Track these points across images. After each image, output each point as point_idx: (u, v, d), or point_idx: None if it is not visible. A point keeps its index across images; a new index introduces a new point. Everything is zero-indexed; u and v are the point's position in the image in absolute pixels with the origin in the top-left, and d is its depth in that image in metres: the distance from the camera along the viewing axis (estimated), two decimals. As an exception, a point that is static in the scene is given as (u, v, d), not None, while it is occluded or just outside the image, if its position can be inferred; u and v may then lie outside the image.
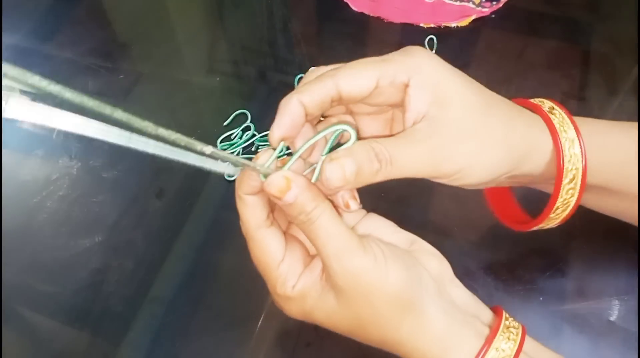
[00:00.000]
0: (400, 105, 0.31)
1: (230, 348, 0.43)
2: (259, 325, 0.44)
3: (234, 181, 0.52)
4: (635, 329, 0.41)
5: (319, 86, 0.29)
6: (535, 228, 0.36)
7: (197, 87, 0.61)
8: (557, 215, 0.35)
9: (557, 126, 0.32)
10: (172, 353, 0.44)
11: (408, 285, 0.29)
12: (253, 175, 0.30)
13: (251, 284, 0.46)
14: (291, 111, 0.29)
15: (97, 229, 0.50)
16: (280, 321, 0.44)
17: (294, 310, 0.31)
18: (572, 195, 0.33)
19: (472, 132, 0.30)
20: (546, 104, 0.34)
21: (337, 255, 0.28)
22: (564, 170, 0.32)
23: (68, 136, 0.57)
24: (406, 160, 0.29)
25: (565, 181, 0.32)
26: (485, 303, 0.44)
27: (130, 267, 0.48)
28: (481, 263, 0.45)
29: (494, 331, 0.30)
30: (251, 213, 0.30)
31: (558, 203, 0.33)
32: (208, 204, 0.51)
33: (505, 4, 0.63)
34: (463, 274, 0.45)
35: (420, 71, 0.30)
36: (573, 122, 0.33)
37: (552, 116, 0.33)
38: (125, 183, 0.53)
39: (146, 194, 0.52)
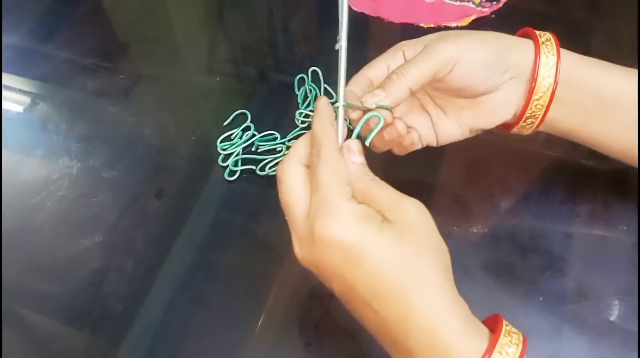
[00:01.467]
0: None
1: (230, 348, 0.43)
2: (259, 325, 0.44)
3: (233, 181, 0.52)
4: (635, 329, 0.41)
5: (357, 79, 0.41)
6: (512, 131, 0.43)
7: (197, 87, 0.61)
8: (527, 124, 0.42)
9: (542, 50, 0.39)
10: (172, 353, 0.44)
11: (446, 254, 0.33)
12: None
13: (251, 284, 0.46)
14: (351, 96, 0.39)
15: (97, 229, 0.50)
16: (280, 321, 0.44)
17: (350, 227, 0.30)
18: (540, 109, 0.40)
19: (457, 34, 0.39)
20: (544, 35, 0.40)
21: (402, 197, 0.32)
22: (535, 88, 0.39)
23: (68, 136, 0.57)
24: (413, 62, 0.38)
25: (535, 96, 0.39)
26: (485, 304, 0.44)
27: (130, 267, 0.48)
28: (481, 263, 0.45)
29: (495, 336, 0.30)
30: (333, 137, 0.34)
31: (527, 114, 0.40)
32: (208, 205, 0.51)
33: (505, 4, 0.63)
34: (463, 274, 0.45)
35: (407, 43, 0.41)
36: (558, 53, 0.39)
37: (542, 45, 0.39)
38: (125, 183, 0.53)
39: (146, 194, 0.52)
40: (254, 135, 0.55)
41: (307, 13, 0.67)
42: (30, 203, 0.53)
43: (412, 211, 0.32)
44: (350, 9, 0.64)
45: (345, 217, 0.30)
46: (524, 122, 0.41)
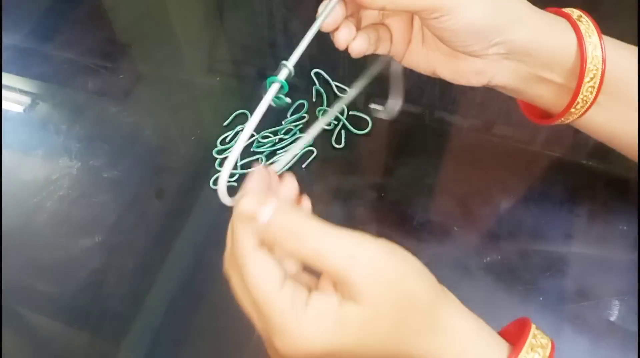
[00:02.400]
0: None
1: (230, 348, 0.43)
2: (259, 325, 0.44)
3: (234, 181, 0.52)
4: (635, 329, 0.41)
5: None
6: (558, 122, 0.39)
7: (197, 87, 0.61)
8: (577, 110, 0.37)
9: (582, 30, 0.36)
10: (172, 353, 0.44)
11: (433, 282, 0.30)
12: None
13: (251, 284, 0.46)
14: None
15: (97, 229, 0.50)
16: (280, 321, 0.44)
17: (312, 336, 0.27)
18: (591, 92, 0.36)
19: None
20: (575, 12, 0.38)
21: (352, 257, 0.27)
22: (586, 70, 0.35)
23: (68, 136, 0.57)
24: None
25: (586, 79, 0.36)
26: (485, 304, 0.44)
27: (130, 267, 0.48)
28: (481, 263, 0.45)
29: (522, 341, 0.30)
30: (249, 233, 0.29)
31: (579, 99, 0.36)
32: (208, 205, 0.51)
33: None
34: (463, 274, 0.45)
35: None
36: (597, 29, 0.36)
37: (579, 23, 0.37)
38: (125, 183, 0.53)
39: (146, 194, 0.52)
40: (250, 135, 0.55)
41: (307, 13, 0.67)
42: (30, 203, 0.53)
43: (365, 283, 0.27)
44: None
45: (300, 332, 0.27)
46: (573, 108, 0.37)
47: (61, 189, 0.53)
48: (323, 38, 0.64)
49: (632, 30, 0.59)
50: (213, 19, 0.70)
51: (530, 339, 0.30)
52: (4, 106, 0.61)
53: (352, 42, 0.37)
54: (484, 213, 0.49)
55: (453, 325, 0.30)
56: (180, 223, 0.50)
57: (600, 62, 0.36)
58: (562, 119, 0.38)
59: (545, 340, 0.30)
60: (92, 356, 0.44)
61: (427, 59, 0.39)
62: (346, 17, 0.36)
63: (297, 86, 0.59)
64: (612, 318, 0.42)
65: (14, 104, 0.61)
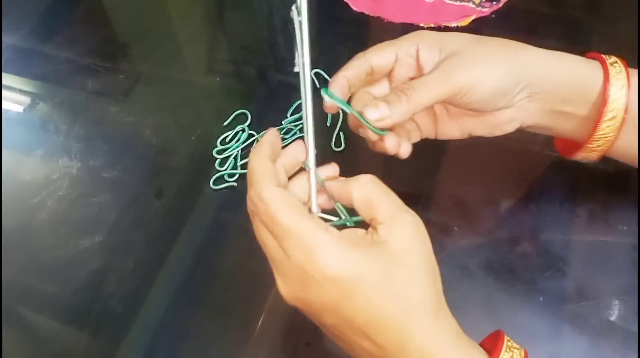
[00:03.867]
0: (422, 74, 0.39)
1: (230, 348, 0.43)
2: (259, 325, 0.44)
3: (234, 181, 0.52)
4: (635, 329, 0.41)
5: (356, 63, 0.38)
6: (578, 157, 0.42)
7: (197, 87, 0.61)
8: (597, 147, 0.40)
9: (611, 74, 0.37)
10: (172, 353, 0.44)
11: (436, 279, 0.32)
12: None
13: (251, 284, 0.46)
14: (339, 83, 0.38)
15: (97, 229, 0.50)
16: (280, 321, 0.44)
17: (341, 256, 0.29)
18: (610, 132, 0.38)
19: (474, 57, 0.37)
20: (612, 58, 0.39)
21: (398, 213, 0.31)
22: (606, 109, 0.37)
23: (68, 136, 0.57)
24: (425, 85, 0.36)
25: (605, 117, 0.37)
26: (485, 304, 0.44)
27: (130, 267, 0.48)
28: (481, 263, 0.45)
29: (497, 350, 0.31)
30: (267, 173, 0.32)
31: (599, 135, 0.38)
32: (208, 204, 0.51)
33: (505, 4, 0.63)
34: (463, 274, 0.45)
35: (425, 38, 0.38)
36: (627, 75, 0.38)
37: (611, 67, 0.38)
38: (125, 183, 0.53)
39: (146, 194, 0.52)
40: (250, 135, 0.55)
41: (307, 13, 0.67)
42: (30, 203, 0.53)
43: (408, 231, 0.30)
44: (350, 8, 0.64)
45: (333, 251, 0.29)
46: (592, 144, 0.39)
47: (61, 189, 0.53)
48: (323, 38, 0.64)
49: (632, 30, 0.59)
50: (213, 19, 0.70)
51: (505, 342, 0.32)
52: (4, 106, 0.61)
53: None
54: (484, 213, 0.49)
55: (452, 326, 0.31)
56: (180, 223, 0.50)
57: (623, 107, 0.37)
58: (587, 153, 0.41)
59: (518, 346, 0.32)
60: (92, 356, 0.44)
61: (458, 127, 0.42)
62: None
63: (297, 85, 0.59)
64: (612, 318, 0.42)
65: (14, 104, 0.61)
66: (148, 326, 0.45)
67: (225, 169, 0.53)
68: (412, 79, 0.39)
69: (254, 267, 0.47)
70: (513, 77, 0.37)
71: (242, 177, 0.52)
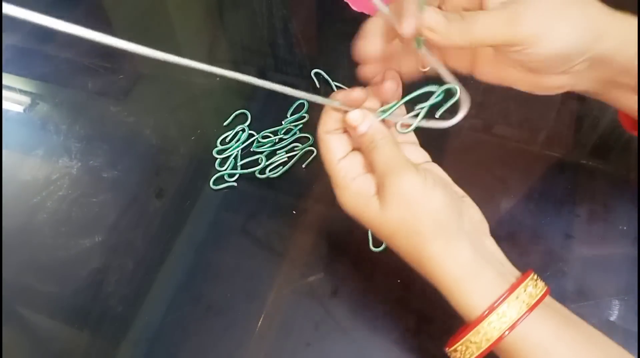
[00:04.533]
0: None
1: (230, 348, 0.43)
2: (259, 325, 0.44)
3: (234, 181, 0.52)
4: (635, 329, 0.41)
5: None
6: None
7: (197, 87, 0.61)
8: None
9: None
10: (172, 353, 0.44)
11: (447, 210, 0.34)
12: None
13: (251, 284, 0.46)
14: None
15: (97, 229, 0.50)
16: (280, 321, 0.44)
17: (348, 201, 0.36)
18: None
19: (548, 6, 0.32)
20: None
21: (392, 170, 0.34)
22: None
23: (68, 136, 0.57)
24: (485, 23, 0.32)
25: None
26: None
27: (130, 267, 0.48)
28: (481, 263, 0.45)
29: (520, 279, 0.33)
30: (327, 118, 0.37)
31: None
32: (208, 204, 0.51)
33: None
34: (463, 274, 0.45)
35: None
36: None
37: None
38: (125, 183, 0.53)
39: (146, 194, 0.53)
40: (250, 135, 0.55)
41: (307, 13, 0.67)
42: (30, 203, 0.53)
43: (391, 190, 0.34)
44: (350, 8, 0.64)
45: (341, 196, 0.37)
46: None
47: (61, 189, 0.53)
48: (323, 38, 0.64)
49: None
50: (213, 19, 0.70)
51: (532, 274, 0.34)
52: (4, 106, 0.61)
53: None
54: (484, 213, 0.48)
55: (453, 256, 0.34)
56: (180, 223, 0.50)
57: None
58: None
59: (543, 282, 0.34)
60: (92, 356, 0.44)
61: (498, 74, 0.38)
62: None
63: (297, 86, 0.59)
64: (612, 318, 0.42)
65: (14, 104, 0.61)
66: (148, 326, 0.45)
67: (225, 169, 0.53)
68: (465, 9, 0.35)
69: (254, 267, 0.47)
70: (580, 45, 0.32)
71: (242, 177, 0.52)
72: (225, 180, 0.52)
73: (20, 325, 0.47)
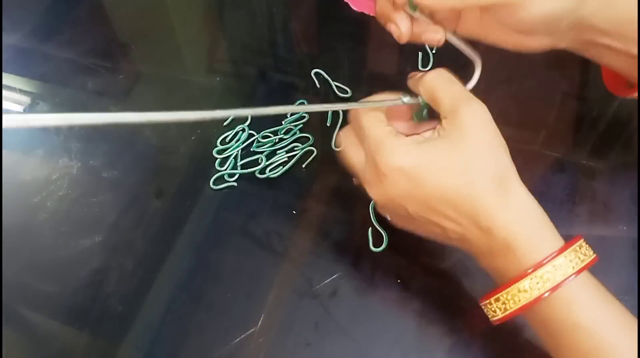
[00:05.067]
0: None
1: (231, 348, 0.43)
2: (259, 325, 0.44)
3: (234, 181, 0.52)
4: (635, 329, 0.41)
5: None
6: (631, 95, 0.40)
7: (197, 87, 0.61)
8: None
9: None
10: (172, 353, 0.44)
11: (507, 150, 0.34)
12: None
13: (251, 284, 0.46)
14: None
15: (97, 229, 0.50)
16: (280, 321, 0.44)
17: (406, 153, 0.34)
18: None
19: None
20: None
21: (467, 98, 0.34)
22: None
23: (68, 136, 0.57)
24: None
25: None
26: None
27: (130, 267, 0.48)
28: (481, 263, 0.45)
29: (575, 238, 0.34)
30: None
31: None
32: (208, 204, 0.51)
33: (505, 3, 0.63)
34: (463, 274, 0.45)
35: None
36: None
37: None
38: (125, 183, 0.53)
39: (146, 194, 0.53)
40: (250, 135, 0.55)
41: (307, 13, 0.67)
42: (30, 203, 0.53)
43: (467, 120, 0.33)
44: (350, 8, 0.64)
45: (397, 147, 0.34)
46: None
47: (61, 189, 0.53)
48: (323, 39, 0.64)
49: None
50: (213, 18, 0.70)
51: (582, 240, 0.34)
52: (4, 106, 0.61)
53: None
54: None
55: (519, 197, 0.34)
56: (180, 223, 0.50)
57: None
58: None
59: (592, 250, 0.34)
60: (92, 356, 0.44)
61: (482, 31, 0.39)
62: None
63: (297, 85, 0.59)
64: (612, 318, 0.42)
65: (14, 104, 0.61)
66: (148, 326, 0.45)
67: (225, 169, 0.53)
68: None
69: (254, 267, 0.47)
70: (566, 8, 0.34)
71: (242, 177, 0.52)
72: (225, 180, 0.52)
73: (20, 325, 0.47)
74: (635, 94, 0.39)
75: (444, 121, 0.35)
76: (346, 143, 0.39)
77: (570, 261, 0.32)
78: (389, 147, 0.34)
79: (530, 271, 0.32)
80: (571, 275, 0.32)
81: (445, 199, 0.33)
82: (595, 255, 0.34)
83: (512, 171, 0.34)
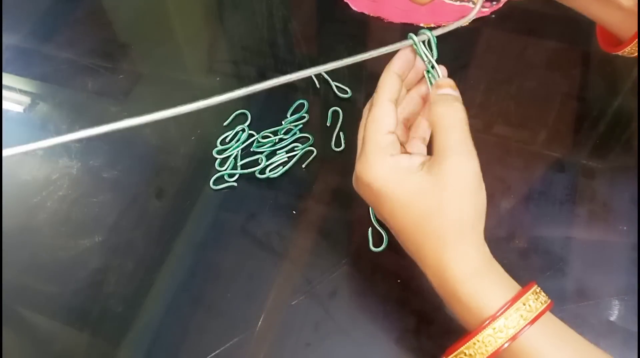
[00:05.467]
0: None
1: (231, 348, 0.43)
2: (259, 325, 0.44)
3: (234, 181, 0.52)
4: (635, 329, 0.41)
5: None
6: (623, 51, 0.40)
7: (197, 87, 0.61)
8: None
9: None
10: (172, 353, 0.44)
11: (483, 207, 0.34)
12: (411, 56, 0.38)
13: (251, 284, 0.46)
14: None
15: (97, 229, 0.50)
16: (280, 321, 0.44)
17: (380, 170, 0.35)
18: None
19: None
20: None
21: (461, 149, 0.34)
22: None
23: (68, 136, 0.57)
24: None
25: None
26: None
27: (130, 267, 0.48)
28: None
29: (522, 291, 0.33)
30: (391, 85, 0.37)
31: None
32: (208, 204, 0.51)
33: (505, 4, 0.63)
34: (463, 274, 0.45)
35: None
36: None
37: None
38: (125, 183, 0.53)
39: (146, 194, 0.52)
40: (250, 135, 0.55)
41: (307, 13, 0.67)
42: (30, 203, 0.53)
43: (452, 172, 0.33)
44: (350, 8, 0.64)
45: (376, 164, 0.35)
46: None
47: (61, 189, 0.53)
48: (323, 38, 0.64)
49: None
50: (213, 19, 0.70)
51: (535, 287, 0.34)
52: (4, 106, 0.61)
53: None
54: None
55: (472, 255, 0.34)
56: (180, 223, 0.50)
57: None
58: (628, 49, 0.38)
59: (545, 295, 0.34)
60: (92, 356, 0.44)
61: None
62: None
63: (297, 85, 0.59)
64: (612, 318, 0.42)
65: (14, 104, 0.61)
66: (148, 326, 0.45)
67: (225, 169, 0.53)
68: None
69: (254, 267, 0.47)
70: None
71: (242, 177, 0.52)
72: (225, 180, 0.52)
73: (20, 325, 0.47)
74: (630, 50, 0.39)
75: (433, 157, 0.35)
76: (363, 119, 0.39)
77: (521, 315, 0.32)
78: (371, 159, 0.35)
79: (487, 323, 0.32)
80: (525, 326, 0.31)
81: (399, 231, 0.35)
82: (550, 301, 0.33)
83: (475, 230, 0.34)
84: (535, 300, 0.33)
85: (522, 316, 0.32)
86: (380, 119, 0.36)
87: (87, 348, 0.45)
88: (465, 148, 0.34)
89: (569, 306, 0.43)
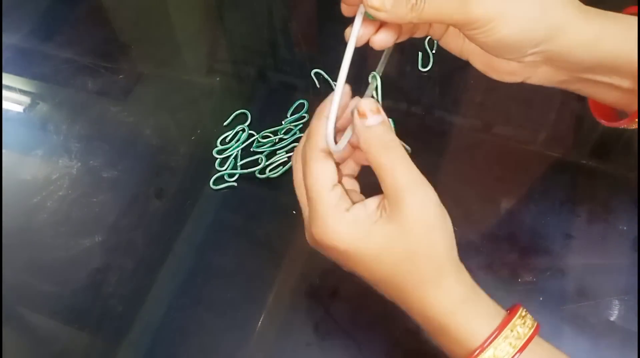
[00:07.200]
0: None
1: (230, 348, 0.43)
2: (259, 325, 0.44)
3: (234, 181, 0.52)
4: (635, 329, 0.41)
5: None
6: (624, 125, 0.38)
7: (197, 87, 0.61)
8: None
9: None
10: (172, 353, 0.44)
11: (452, 238, 0.33)
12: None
13: (251, 284, 0.46)
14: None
15: (97, 229, 0.50)
16: (280, 321, 0.44)
17: (344, 231, 0.32)
18: None
19: None
20: None
21: (413, 185, 0.31)
22: None
23: (68, 136, 0.57)
24: (436, 2, 0.30)
25: None
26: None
27: (130, 267, 0.48)
28: (481, 263, 0.45)
29: (508, 318, 0.32)
30: (321, 136, 0.33)
31: None
32: (208, 204, 0.51)
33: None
34: (463, 274, 0.45)
35: None
36: None
37: None
38: (125, 183, 0.53)
39: (146, 194, 0.53)
40: (250, 135, 0.55)
41: (307, 13, 0.67)
42: (30, 203, 0.53)
43: (411, 211, 0.31)
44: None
45: (336, 225, 0.32)
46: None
47: (61, 189, 0.53)
48: (323, 39, 0.64)
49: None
50: (213, 19, 0.70)
51: (521, 310, 0.33)
52: (4, 106, 0.61)
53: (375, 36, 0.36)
54: (484, 213, 0.49)
55: (454, 288, 0.32)
56: (180, 223, 0.50)
57: None
58: (630, 124, 0.37)
59: (531, 317, 0.33)
60: (92, 356, 0.44)
61: (462, 48, 0.38)
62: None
63: (297, 85, 0.59)
64: (612, 318, 0.42)
65: (14, 104, 0.61)
66: (148, 326, 0.45)
67: (225, 169, 0.53)
68: None
69: (254, 267, 0.47)
70: (532, 37, 0.32)
71: (242, 177, 0.52)
72: (225, 180, 0.52)
73: (20, 325, 0.47)
74: (631, 124, 0.37)
75: (387, 200, 0.32)
76: (296, 173, 0.36)
77: (510, 343, 0.31)
78: (328, 221, 0.32)
79: (476, 354, 0.31)
80: (515, 354, 0.31)
81: (378, 282, 0.33)
82: (536, 324, 0.33)
83: (451, 260, 0.33)
84: (522, 324, 0.32)
85: (510, 344, 0.31)
86: (322, 174, 0.33)
87: (87, 348, 0.45)
88: (414, 183, 0.31)
89: (569, 306, 0.43)
